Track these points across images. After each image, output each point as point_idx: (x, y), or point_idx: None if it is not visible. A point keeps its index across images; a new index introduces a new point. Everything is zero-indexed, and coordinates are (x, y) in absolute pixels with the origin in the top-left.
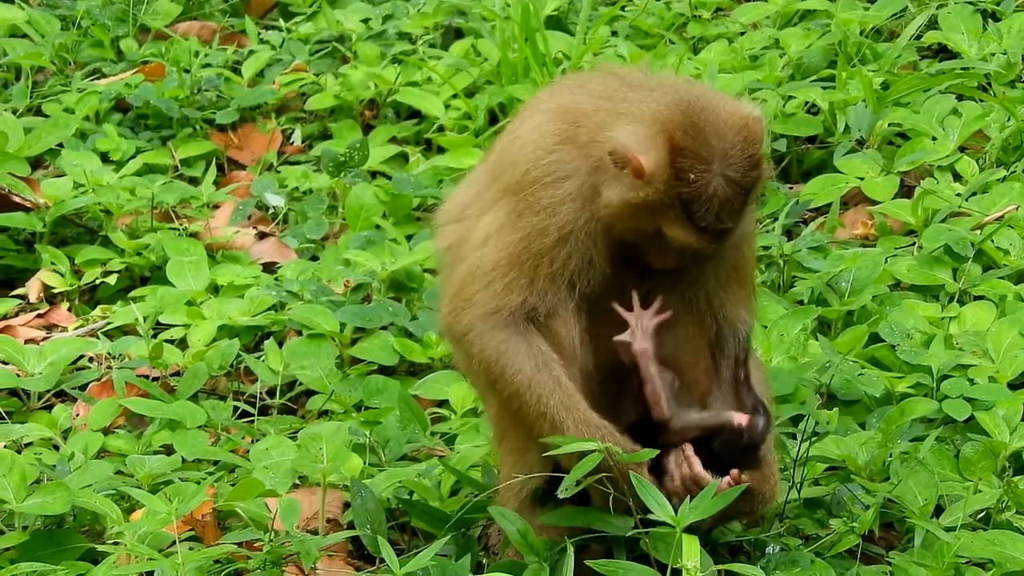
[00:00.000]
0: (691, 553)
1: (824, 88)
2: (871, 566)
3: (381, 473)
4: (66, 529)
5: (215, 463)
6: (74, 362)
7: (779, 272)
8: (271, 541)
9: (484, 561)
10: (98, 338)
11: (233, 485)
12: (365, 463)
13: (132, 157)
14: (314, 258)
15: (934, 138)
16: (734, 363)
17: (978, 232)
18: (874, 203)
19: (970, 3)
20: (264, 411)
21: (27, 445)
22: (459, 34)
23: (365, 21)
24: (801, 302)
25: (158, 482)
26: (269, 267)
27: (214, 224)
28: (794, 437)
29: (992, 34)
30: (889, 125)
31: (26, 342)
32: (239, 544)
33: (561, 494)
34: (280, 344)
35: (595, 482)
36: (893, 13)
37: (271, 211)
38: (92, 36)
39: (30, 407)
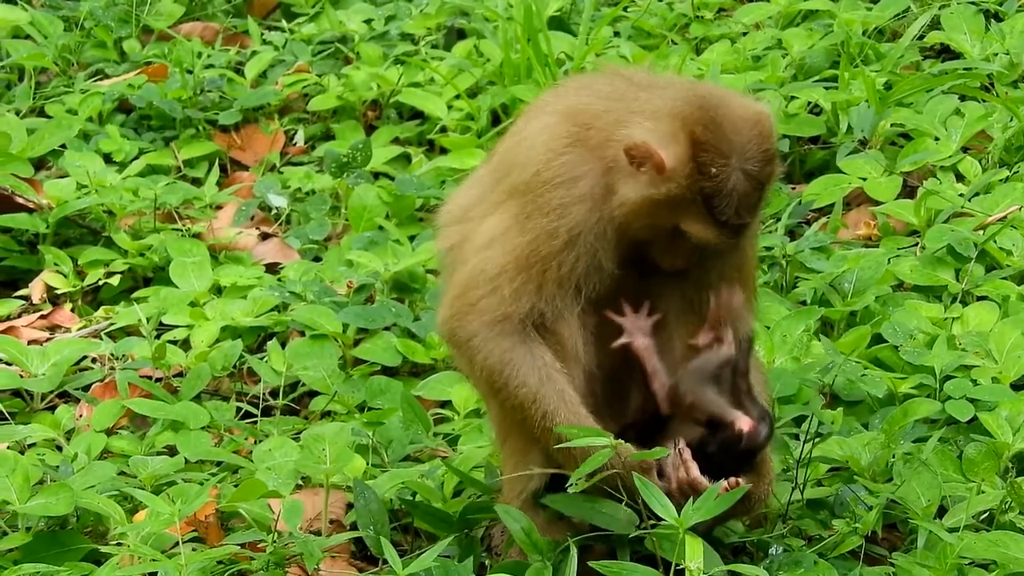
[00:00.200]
0: (694, 554)
1: (827, 88)
2: (874, 567)
3: (384, 474)
4: (69, 530)
5: (218, 464)
6: (77, 363)
7: (782, 273)
8: (274, 542)
9: (487, 562)
10: (101, 339)
11: (236, 486)
12: (368, 464)
13: (135, 158)
14: (317, 259)
15: (937, 138)
16: (732, 372)
17: (981, 232)
18: (877, 203)
19: (973, 3)
20: (267, 412)
21: (30, 446)
22: (461, 35)
23: (368, 22)
24: (804, 303)
25: (161, 483)
26: (272, 268)
27: (217, 225)
28: (797, 438)
29: (995, 34)
30: (892, 125)
31: (29, 343)
32: (242, 545)
33: (571, 489)
34: (283, 345)
35: (600, 483)
36: (896, 13)
37: (274, 212)
38: (95, 37)
39: (33, 408)
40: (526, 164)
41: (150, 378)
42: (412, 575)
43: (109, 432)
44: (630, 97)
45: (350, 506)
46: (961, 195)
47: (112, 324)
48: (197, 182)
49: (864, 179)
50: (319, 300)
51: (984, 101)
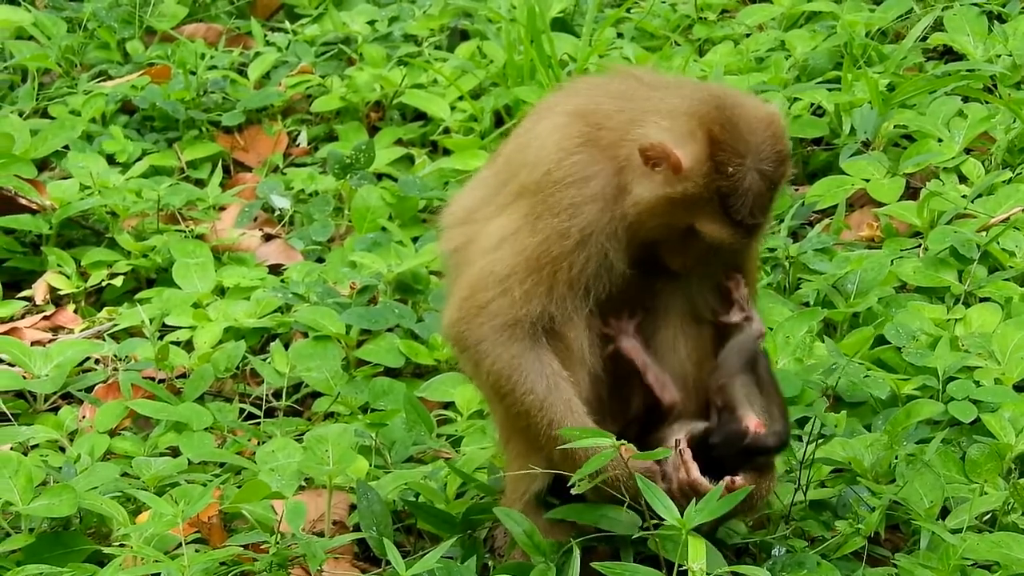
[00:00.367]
0: (697, 554)
1: (830, 90)
2: (877, 568)
3: (387, 475)
4: (72, 531)
5: (221, 465)
6: (80, 364)
7: (785, 274)
8: (277, 543)
9: (490, 563)
10: (104, 340)
11: (239, 487)
12: (371, 465)
13: (138, 159)
14: (320, 260)
15: (940, 140)
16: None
17: (984, 234)
18: (880, 205)
19: (976, 5)
20: (270, 413)
21: (33, 447)
22: (465, 36)
23: (371, 23)
24: (807, 304)
25: (164, 484)
26: (275, 269)
27: (220, 226)
28: (800, 439)
29: (998, 36)
30: (895, 127)
31: (32, 344)
32: (245, 546)
33: (574, 490)
34: (286, 346)
35: (602, 485)
36: (899, 15)
37: (277, 213)
38: (98, 38)
39: (36, 409)
40: (536, 164)
41: (153, 379)
42: None
43: (112, 433)
44: (643, 96)
45: (353, 507)
46: (964, 196)
47: (115, 325)
48: (200, 183)
49: (867, 180)
50: (322, 301)
51: (987, 103)
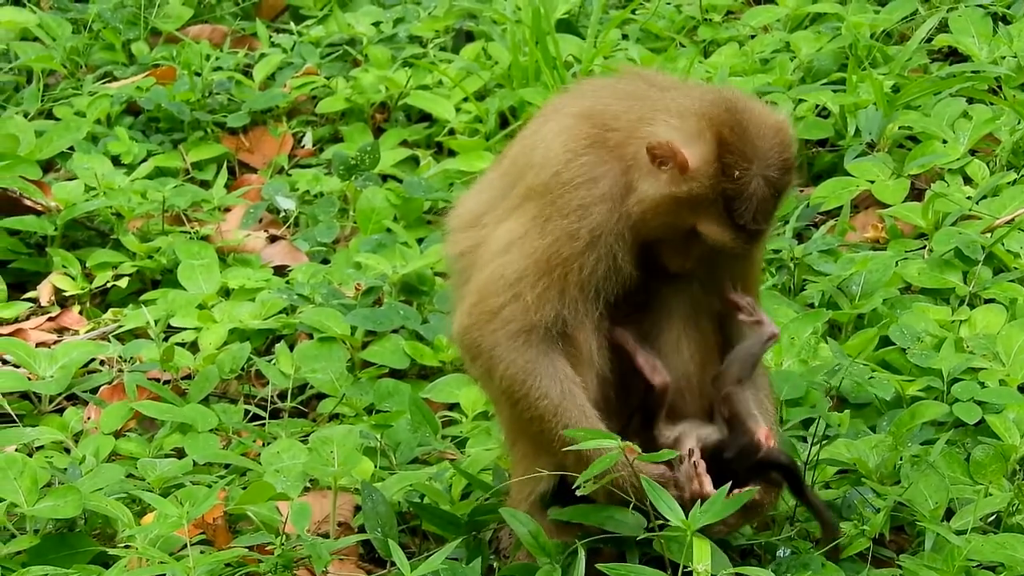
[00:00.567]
0: (702, 556)
1: (835, 91)
2: (882, 569)
3: (392, 476)
4: (77, 533)
5: (226, 466)
6: (85, 365)
7: (790, 275)
8: (282, 544)
9: (495, 564)
10: (109, 341)
11: (244, 488)
12: (376, 466)
13: (143, 160)
14: (325, 261)
15: (944, 141)
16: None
17: (988, 235)
18: (884, 206)
19: (980, 6)
20: (275, 414)
21: (38, 448)
22: (470, 37)
23: (376, 24)
24: (812, 305)
25: (169, 485)
26: (280, 270)
27: (225, 227)
28: (805, 440)
29: (1003, 37)
30: (899, 128)
31: (37, 345)
32: (250, 548)
33: (579, 491)
34: (291, 347)
35: (609, 487)
36: (903, 16)
37: (282, 214)
38: (103, 39)
39: (41, 410)
40: (543, 166)
41: (158, 380)
42: None
43: (117, 434)
44: (653, 96)
45: (358, 508)
46: (969, 198)
47: (120, 326)
48: (205, 184)
49: (872, 182)
50: (327, 302)
51: (992, 104)
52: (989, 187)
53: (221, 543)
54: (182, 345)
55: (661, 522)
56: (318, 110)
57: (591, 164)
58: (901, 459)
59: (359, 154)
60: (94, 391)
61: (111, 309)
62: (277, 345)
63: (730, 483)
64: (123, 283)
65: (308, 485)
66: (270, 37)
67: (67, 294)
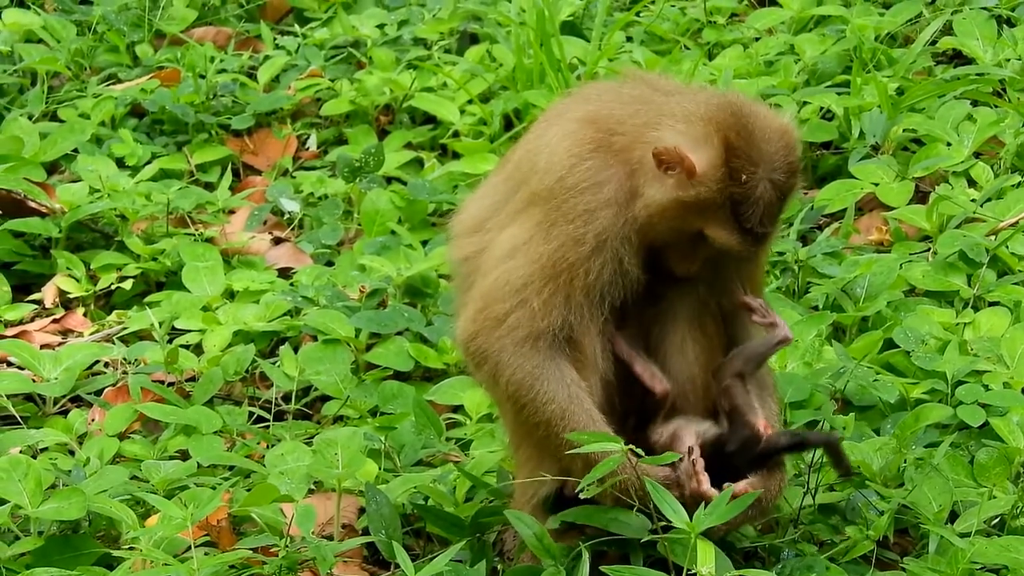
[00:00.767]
0: (706, 558)
1: (839, 94)
2: (886, 572)
3: (396, 478)
4: (81, 534)
5: (230, 468)
6: (90, 367)
7: (794, 278)
8: (286, 547)
9: (499, 567)
10: (113, 343)
11: (248, 490)
12: (380, 468)
13: (148, 162)
14: (329, 263)
15: (949, 144)
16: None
17: (993, 238)
18: (889, 209)
19: (985, 9)
20: (279, 416)
21: (42, 450)
22: (474, 39)
23: (380, 27)
24: (816, 308)
25: (173, 487)
26: (284, 272)
27: (229, 229)
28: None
29: (1007, 40)
30: (904, 131)
31: (42, 347)
32: (254, 549)
33: (582, 494)
34: (295, 349)
35: (612, 490)
36: (908, 19)
37: (286, 216)
38: (108, 41)
39: (46, 412)
40: (547, 171)
41: (162, 382)
42: None
43: (121, 436)
44: (658, 101)
45: (362, 511)
46: (973, 200)
47: (124, 328)
48: (210, 187)
49: (876, 184)
50: (331, 305)
51: (996, 107)
52: (993, 190)
53: (225, 545)
54: (186, 347)
55: (665, 524)
56: (322, 112)
57: (596, 169)
58: (905, 462)
59: (363, 156)
60: (98, 393)
61: (115, 311)
62: (281, 347)
63: (733, 485)
64: (127, 285)
65: (312, 487)
66: (274, 39)
67: (71, 296)
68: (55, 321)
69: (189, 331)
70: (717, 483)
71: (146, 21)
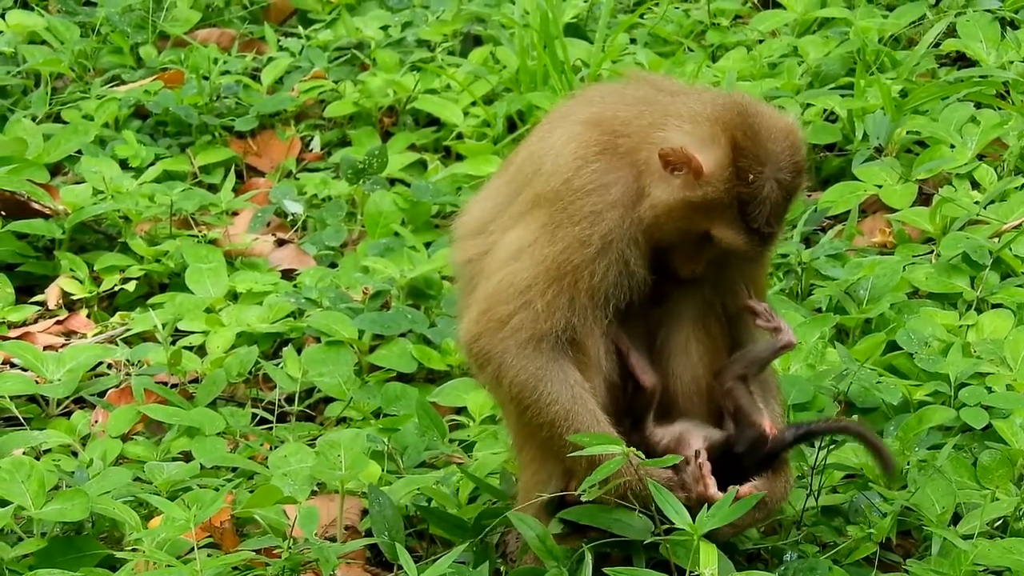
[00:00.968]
0: (709, 560)
1: (842, 96)
2: (888, 574)
3: (399, 480)
4: (84, 536)
5: (233, 470)
6: (93, 369)
7: (797, 280)
8: (289, 548)
9: (502, 568)
10: (117, 345)
11: (251, 492)
12: (383, 470)
13: (151, 164)
14: (333, 265)
15: (952, 146)
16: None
17: (996, 240)
18: (892, 211)
19: (988, 11)
20: (282, 418)
21: (46, 451)
22: (478, 41)
23: (384, 28)
24: (819, 310)
25: (176, 489)
26: (288, 274)
27: (233, 231)
28: (812, 445)
29: (1010, 42)
30: (907, 133)
31: (45, 348)
32: (257, 551)
33: (583, 497)
34: (299, 351)
35: (614, 492)
36: (911, 21)
37: (290, 218)
38: (111, 43)
39: (49, 413)
40: (553, 174)
41: (166, 384)
42: None
43: (124, 438)
44: (662, 101)
45: (365, 512)
46: (976, 203)
47: (128, 330)
48: (213, 188)
49: (879, 186)
50: (335, 306)
51: (1000, 109)
52: (997, 192)
53: (228, 547)
54: (189, 349)
55: (668, 526)
56: (326, 114)
57: (602, 171)
58: (908, 464)
59: (367, 158)
60: (102, 394)
61: (119, 312)
62: (284, 349)
63: (736, 487)
64: (131, 287)
65: (315, 489)
66: (278, 41)
67: (75, 297)
68: (58, 323)
69: (192, 333)
70: (723, 486)
71: (150, 23)
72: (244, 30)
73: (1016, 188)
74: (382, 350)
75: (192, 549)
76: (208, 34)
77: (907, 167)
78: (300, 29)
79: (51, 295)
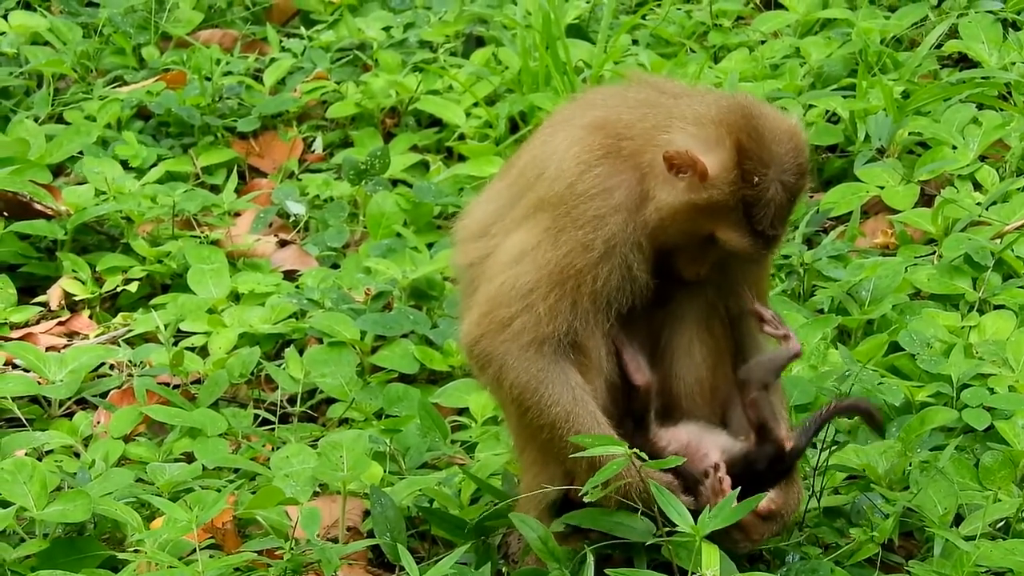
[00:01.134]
0: (711, 561)
1: (845, 97)
2: (890, 575)
3: (401, 481)
4: (86, 537)
5: (235, 471)
6: (95, 369)
7: (799, 281)
8: (291, 549)
9: (504, 569)
10: (119, 346)
11: (253, 493)
12: (385, 471)
13: (153, 165)
14: (335, 266)
15: (954, 147)
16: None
17: (998, 241)
18: (894, 212)
19: (991, 12)
20: (285, 419)
21: (48, 452)
22: (480, 42)
23: (386, 29)
24: (821, 311)
25: (178, 490)
26: (290, 275)
27: (235, 232)
28: (814, 446)
29: (1013, 43)
30: (909, 134)
31: (47, 349)
32: (259, 552)
33: (585, 498)
34: (301, 352)
35: (616, 494)
36: (914, 22)
37: (292, 219)
38: (114, 44)
39: (51, 414)
40: (556, 178)
41: (168, 385)
42: None
43: (126, 439)
44: (666, 104)
45: (367, 513)
46: (978, 204)
47: (130, 331)
48: (215, 189)
49: (882, 188)
50: (337, 307)
51: (1002, 110)
52: (999, 193)
53: (230, 548)
54: (192, 349)
55: (669, 528)
56: (328, 115)
57: (605, 175)
58: (910, 465)
59: (369, 159)
60: (104, 395)
61: (121, 313)
62: (287, 349)
63: (739, 488)
64: (133, 287)
65: (317, 490)
66: (280, 42)
67: (77, 298)
68: (60, 323)
69: (194, 333)
70: (739, 498)
71: (152, 23)
72: (246, 31)
73: (1018, 189)
74: (384, 351)
75: (194, 550)
76: (210, 35)
77: (909, 168)
78: (302, 30)
79: (53, 296)
